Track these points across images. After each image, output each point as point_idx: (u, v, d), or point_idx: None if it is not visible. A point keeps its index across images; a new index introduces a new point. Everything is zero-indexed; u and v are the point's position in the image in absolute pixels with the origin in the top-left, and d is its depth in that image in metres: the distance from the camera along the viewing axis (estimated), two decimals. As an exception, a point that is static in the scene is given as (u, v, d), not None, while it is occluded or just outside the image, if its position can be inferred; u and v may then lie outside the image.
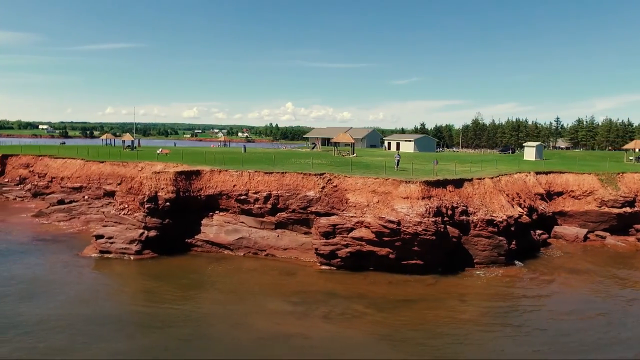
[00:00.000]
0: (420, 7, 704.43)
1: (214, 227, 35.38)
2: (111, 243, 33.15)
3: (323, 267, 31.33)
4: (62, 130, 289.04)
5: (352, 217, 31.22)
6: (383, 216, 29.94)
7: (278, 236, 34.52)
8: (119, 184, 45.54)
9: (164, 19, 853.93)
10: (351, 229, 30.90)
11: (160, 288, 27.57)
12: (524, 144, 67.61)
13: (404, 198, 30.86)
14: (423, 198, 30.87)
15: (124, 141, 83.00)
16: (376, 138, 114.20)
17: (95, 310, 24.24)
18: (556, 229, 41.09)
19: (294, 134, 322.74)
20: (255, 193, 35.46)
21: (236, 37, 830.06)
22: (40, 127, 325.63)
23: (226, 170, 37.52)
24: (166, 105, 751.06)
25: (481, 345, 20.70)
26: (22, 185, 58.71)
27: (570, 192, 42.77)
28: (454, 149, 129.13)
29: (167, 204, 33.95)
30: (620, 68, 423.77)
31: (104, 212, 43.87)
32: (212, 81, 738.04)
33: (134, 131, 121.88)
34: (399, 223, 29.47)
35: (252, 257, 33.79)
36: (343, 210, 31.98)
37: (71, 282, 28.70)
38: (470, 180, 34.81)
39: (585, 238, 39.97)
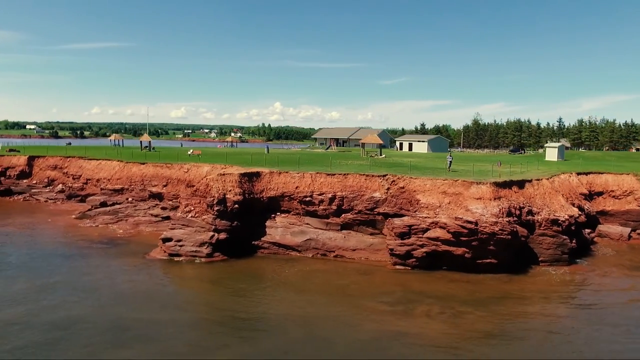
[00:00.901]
0: (408, 8, 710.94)
1: (279, 229, 35.64)
2: (180, 246, 33.15)
3: (397, 267, 31.91)
4: (51, 130, 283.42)
5: (425, 217, 31.87)
6: (460, 216, 30.67)
7: (344, 237, 34.97)
8: (165, 186, 45.46)
9: (151, 18, 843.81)
10: (426, 230, 31.55)
11: (248, 291, 27.77)
12: (545, 145, 69.28)
13: (477, 199, 31.64)
14: (494, 199, 31.71)
15: (141, 142, 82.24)
16: (386, 139, 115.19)
17: (195, 315, 24.39)
18: (600, 227, 42.46)
19: (287, 134, 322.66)
20: (320, 194, 35.83)
21: (224, 37, 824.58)
22: (28, 127, 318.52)
23: (287, 172, 37.79)
24: (153, 105, 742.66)
25: (593, 344, 21.45)
26: (51, 187, 57.90)
27: (610, 192, 44.22)
28: (459, 149, 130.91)
29: (236, 206, 34.10)
30: (606, 69, 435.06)
31: (152, 214, 43.89)
32: (200, 81, 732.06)
33: (147, 131, 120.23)
34: (476, 223, 30.23)
35: (320, 258, 34.17)
36: (415, 211, 32.60)
37: (155, 286, 28.78)
38: (530, 181, 35.83)
39: (629, 237, 41.41)
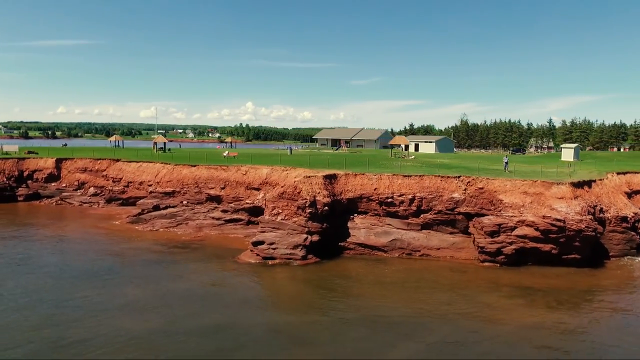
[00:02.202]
0: (378, 9, 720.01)
1: (362, 230, 36.43)
2: (274, 249, 33.37)
3: (486, 263, 33.37)
4: (19, 130, 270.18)
5: (512, 216, 33.48)
6: (548, 215, 32.45)
7: (426, 237, 36.15)
8: (223, 188, 45.20)
9: (117, 16, 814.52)
10: (514, 228, 33.16)
11: (363, 291, 28.43)
12: (562, 146, 72.89)
13: (559, 198, 33.54)
14: (574, 198, 33.71)
15: (156, 143, 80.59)
16: (388, 139, 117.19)
17: (334, 316, 24.61)
18: (640, 223, 45.48)
19: (267, 135, 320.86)
20: (400, 196, 36.85)
21: (194, 36, 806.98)
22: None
23: (363, 174, 38.62)
24: (121, 104, 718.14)
25: None
26: (82, 190, 56.23)
27: (647, 190, 47.34)
28: (454, 150, 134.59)
29: (326, 208, 34.66)
30: (569, 70, 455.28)
31: (213, 217, 43.61)
32: (170, 80, 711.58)
33: (155, 132, 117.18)
34: (564, 221, 32.08)
35: (406, 257, 35.19)
36: (500, 211, 34.16)
37: (272, 289, 29.33)
38: (595, 181, 38.15)
39: (667, 231, 44.61)
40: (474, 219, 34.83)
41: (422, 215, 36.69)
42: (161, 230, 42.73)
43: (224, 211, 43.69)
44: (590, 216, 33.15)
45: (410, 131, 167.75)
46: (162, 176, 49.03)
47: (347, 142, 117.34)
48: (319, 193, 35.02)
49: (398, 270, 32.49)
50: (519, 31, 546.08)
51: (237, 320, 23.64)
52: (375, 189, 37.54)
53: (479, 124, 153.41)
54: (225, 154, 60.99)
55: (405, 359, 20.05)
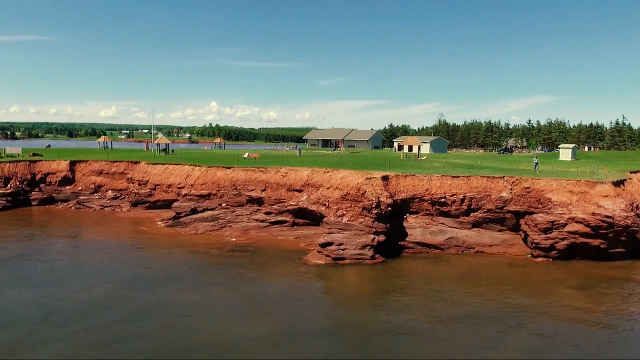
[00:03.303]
0: (342, 10, 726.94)
1: (418, 229, 37.65)
2: (343, 250, 33.99)
3: (539, 258, 35.40)
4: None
5: (562, 214, 35.68)
6: (597, 212, 34.85)
7: (477, 234, 37.84)
8: (264, 190, 45.19)
9: (71, 11, 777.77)
10: (564, 225, 35.36)
11: (446, 288, 29.53)
12: (559, 146, 77.00)
13: (604, 196, 36.06)
14: (617, 196, 36.35)
15: (158, 144, 78.53)
16: (379, 140, 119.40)
17: (433, 314, 25.55)
18: (651, 218, 49.29)
19: (238, 135, 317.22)
20: (452, 196, 38.36)
21: (155, 34, 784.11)
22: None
23: (413, 175, 39.83)
24: (80, 103, 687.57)
25: None
26: (99, 194, 54.36)
27: (652, 188, 51.27)
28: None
29: (389, 208, 35.62)
30: (529, 71, 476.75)
31: (257, 219, 43.56)
32: (131, 79, 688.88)
33: (151, 132, 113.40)
34: (612, 218, 34.57)
35: (462, 254, 36.70)
36: (550, 209, 36.28)
37: (354, 290, 29.84)
38: (625, 180, 41.15)
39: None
40: (525, 217, 36.80)
41: (472, 214, 38.34)
42: (207, 233, 42.22)
43: (268, 213, 43.70)
44: (634, 212, 35.87)
45: (390, 131, 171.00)
46: (196, 178, 48.31)
47: (337, 142, 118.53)
48: (381, 194, 35.93)
49: (462, 266, 33.91)
50: (481, 33, 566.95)
51: (347, 320, 24.30)
52: (427, 189, 38.84)
53: (459, 124, 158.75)
54: (245, 156, 60.56)
55: (523, 359, 21.39)
